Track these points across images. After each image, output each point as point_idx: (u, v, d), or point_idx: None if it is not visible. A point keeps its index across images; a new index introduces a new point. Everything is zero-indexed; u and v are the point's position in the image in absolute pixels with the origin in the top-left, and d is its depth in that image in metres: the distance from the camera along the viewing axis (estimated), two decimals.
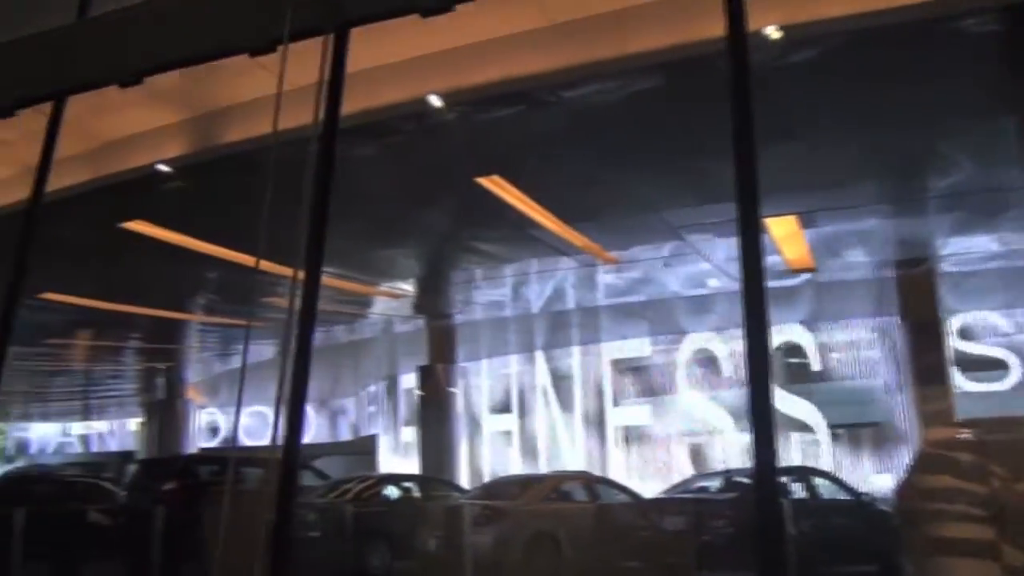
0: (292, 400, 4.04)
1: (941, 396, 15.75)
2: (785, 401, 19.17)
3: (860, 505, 12.65)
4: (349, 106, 8.86)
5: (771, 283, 11.87)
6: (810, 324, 20.05)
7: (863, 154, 9.89)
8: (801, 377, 19.95)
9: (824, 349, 20.66)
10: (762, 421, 3.09)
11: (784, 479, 12.30)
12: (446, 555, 10.38)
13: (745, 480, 12.54)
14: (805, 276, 15.28)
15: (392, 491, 13.67)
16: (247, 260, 13.03)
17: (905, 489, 11.34)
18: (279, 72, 5.59)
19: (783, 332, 20.17)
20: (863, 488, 14.64)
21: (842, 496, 13.05)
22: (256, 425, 35.18)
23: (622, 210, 11.85)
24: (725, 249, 13.70)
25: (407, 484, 14.03)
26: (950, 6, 6.76)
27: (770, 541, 2.96)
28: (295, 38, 5.84)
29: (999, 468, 9.77)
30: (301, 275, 4.86)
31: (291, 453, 4.00)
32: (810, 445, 19.26)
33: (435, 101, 8.57)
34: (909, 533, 10.71)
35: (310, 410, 33.53)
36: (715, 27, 7.34)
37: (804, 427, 19.57)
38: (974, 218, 12.30)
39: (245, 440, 24.72)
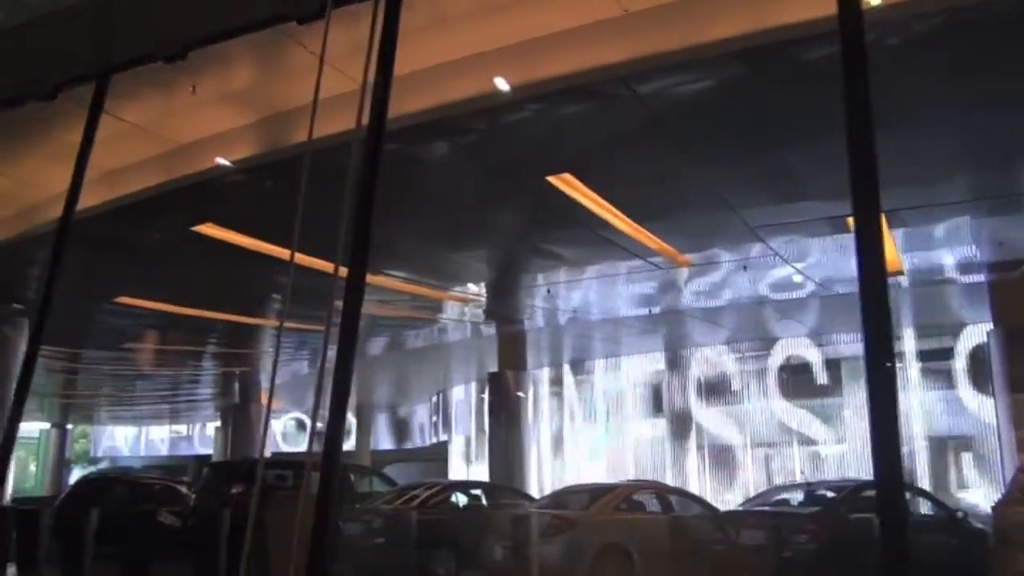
0: (334, 403, 3.82)
1: None
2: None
3: (952, 522, 11.96)
4: (417, 103, 8.78)
5: (853, 288, 11.31)
6: (895, 331, 19.22)
7: (958, 146, 9.29)
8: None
9: (908, 358, 19.87)
10: (885, 435, 2.77)
11: (871, 493, 11.69)
12: (513, 565, 10.10)
13: (828, 493, 11.98)
14: (893, 280, 14.57)
15: (460, 498, 13.48)
16: (321, 264, 13.10)
17: (1002, 508, 10.73)
18: (321, 44, 5.37)
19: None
20: (953, 503, 13.91)
21: (935, 512, 12.38)
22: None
23: (697, 210, 11.45)
24: (806, 250, 13.16)
25: (475, 491, 13.82)
26: None
27: (894, 567, 2.61)
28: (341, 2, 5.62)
29: None
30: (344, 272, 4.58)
31: (332, 458, 3.77)
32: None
33: (504, 96, 8.31)
34: (1003, 555, 10.12)
35: (380, 416, 33.79)
36: (797, 11, 7.00)
37: None
38: None
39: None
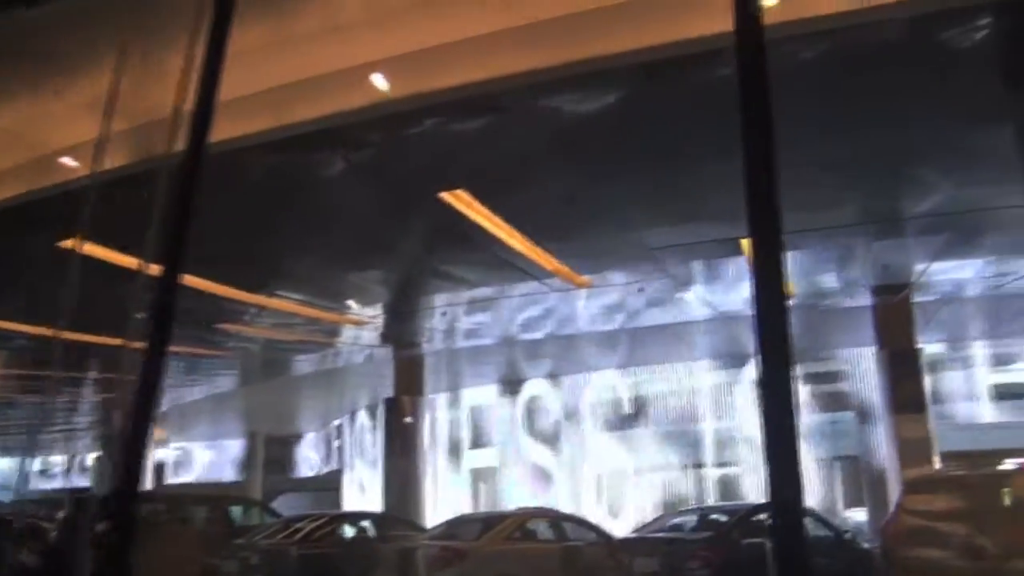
0: (134, 426, 3.31)
1: (919, 427, 15.30)
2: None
3: (841, 543, 12.07)
4: (306, 112, 8.37)
5: (745, 311, 11.40)
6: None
7: (846, 170, 9.42)
8: None
9: (797, 380, 20.25)
10: (782, 455, 2.52)
11: (763, 516, 11.70)
12: None
13: (721, 518, 11.94)
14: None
15: (348, 530, 12.89)
16: (200, 283, 12.41)
17: (889, 528, 10.89)
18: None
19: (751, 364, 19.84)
20: (840, 523, 14.12)
21: (823, 533, 12.47)
22: (218, 459, 34.23)
23: (596, 230, 11.30)
24: (705, 272, 13.23)
25: (363, 523, 13.25)
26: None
27: None
28: None
29: (980, 504, 9.36)
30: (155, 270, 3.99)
31: (126, 494, 3.27)
32: None
33: (397, 106, 7.98)
34: (889, 574, 10.25)
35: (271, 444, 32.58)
36: (698, 26, 6.92)
37: None
38: (956, 242, 11.89)
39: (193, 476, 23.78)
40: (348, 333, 17.51)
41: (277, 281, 13.54)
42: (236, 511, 14.11)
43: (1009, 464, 10.12)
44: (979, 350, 19.50)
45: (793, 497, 2.57)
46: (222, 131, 8.08)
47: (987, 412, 19.40)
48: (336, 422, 29.40)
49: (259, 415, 28.67)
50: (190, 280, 12.07)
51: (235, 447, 33.07)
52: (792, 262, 12.77)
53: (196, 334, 16.29)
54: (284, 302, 14.40)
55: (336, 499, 27.09)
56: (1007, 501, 9.31)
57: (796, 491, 2.57)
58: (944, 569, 8.94)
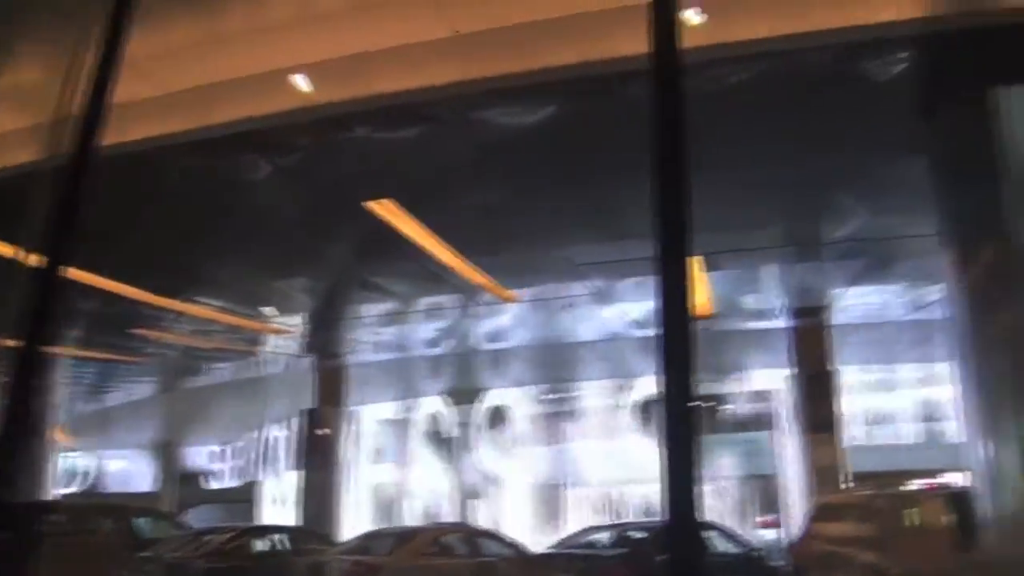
0: (7, 430, 3.17)
1: (830, 448, 15.69)
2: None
3: (750, 560, 12.25)
4: (228, 113, 8.18)
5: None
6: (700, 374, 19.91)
7: (768, 194, 9.63)
8: None
9: (714, 400, 20.63)
10: (680, 475, 2.55)
11: None
12: None
13: (638, 534, 11.99)
14: (703, 323, 15.04)
15: (259, 544, 12.51)
16: (113, 286, 12.00)
17: (799, 546, 11.11)
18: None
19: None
20: (753, 541, 14.33)
21: (734, 550, 12.64)
22: (129, 469, 33.05)
23: (523, 245, 11.30)
24: (630, 289, 13.35)
25: (275, 536, 12.87)
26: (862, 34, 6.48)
27: None
28: None
29: (888, 524, 9.63)
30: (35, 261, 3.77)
31: None
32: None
33: (322, 111, 7.86)
34: None
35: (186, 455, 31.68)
36: (626, 45, 6.98)
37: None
38: (873, 267, 12.27)
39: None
40: (270, 342, 17.16)
41: (197, 287, 13.19)
42: (142, 523, 13.57)
43: (914, 485, 10.46)
44: (890, 373, 20.15)
45: (689, 514, 2.57)
46: (141, 130, 7.85)
47: (896, 433, 20.04)
48: (254, 433, 28.75)
49: (174, 424, 27.84)
50: (102, 283, 11.68)
51: (148, 456, 32.03)
52: (714, 282, 12.98)
53: (110, 339, 15.77)
54: (203, 308, 14.03)
55: (251, 512, 26.43)
56: (910, 523, 9.57)
57: (691, 508, 2.57)
58: None
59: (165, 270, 12.14)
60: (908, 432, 19.91)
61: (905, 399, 20.21)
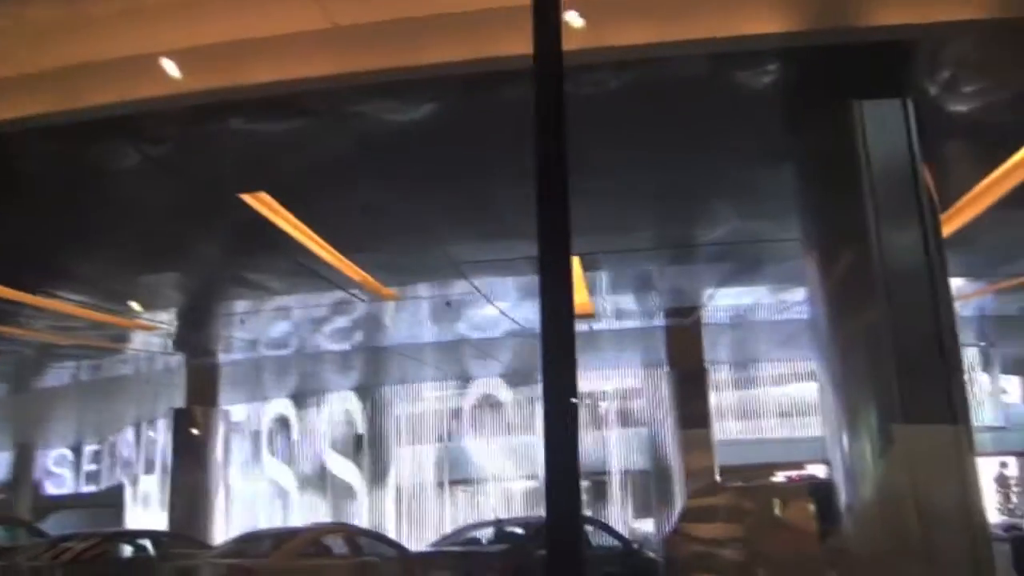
0: None
1: (704, 443, 16.29)
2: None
3: (629, 553, 12.59)
4: (96, 96, 7.75)
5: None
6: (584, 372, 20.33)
7: (645, 197, 9.89)
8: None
9: (593, 397, 21.10)
10: (561, 468, 2.59)
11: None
12: None
13: (517, 530, 12.13)
14: (583, 322, 15.32)
15: (125, 550, 11.99)
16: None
17: (671, 540, 11.48)
18: None
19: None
20: (628, 535, 14.73)
21: (612, 543, 12.95)
22: None
23: (402, 243, 11.20)
24: (509, 289, 13.44)
25: (141, 542, 12.37)
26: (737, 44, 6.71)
27: None
28: None
29: (754, 514, 10.07)
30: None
31: None
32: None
33: (196, 99, 7.55)
34: None
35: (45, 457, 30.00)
36: (510, 44, 7.00)
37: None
38: (741, 270, 12.77)
39: None
40: (137, 339, 16.40)
41: (57, 280, 12.45)
42: None
43: (780, 477, 10.97)
44: (758, 371, 21.09)
45: (571, 508, 2.61)
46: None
47: (764, 428, 21.00)
48: (120, 434, 27.49)
49: (32, 425, 26.31)
50: None
51: (1, 461, 30.13)
52: (592, 283, 13.25)
53: None
54: (65, 303, 13.27)
55: (116, 517, 25.28)
56: (774, 513, 10.02)
57: (573, 504, 2.61)
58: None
59: (22, 262, 11.45)
60: (775, 427, 20.89)
61: (772, 396, 21.18)
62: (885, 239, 6.95)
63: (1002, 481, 25.76)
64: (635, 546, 12.99)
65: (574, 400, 2.97)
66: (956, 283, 12.41)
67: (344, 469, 21.89)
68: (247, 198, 9.38)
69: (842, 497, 7.10)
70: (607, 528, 13.78)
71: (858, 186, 7.14)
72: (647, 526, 19.68)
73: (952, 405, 6.38)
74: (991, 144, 8.60)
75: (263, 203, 9.57)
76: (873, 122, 7.32)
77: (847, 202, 7.29)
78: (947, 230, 8.42)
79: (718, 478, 15.68)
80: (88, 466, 30.63)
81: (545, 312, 3.31)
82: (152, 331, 15.67)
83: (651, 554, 12.85)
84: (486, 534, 12.34)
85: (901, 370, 6.47)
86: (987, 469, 23.68)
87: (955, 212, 9.95)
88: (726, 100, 7.57)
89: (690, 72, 7.11)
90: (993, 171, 9.22)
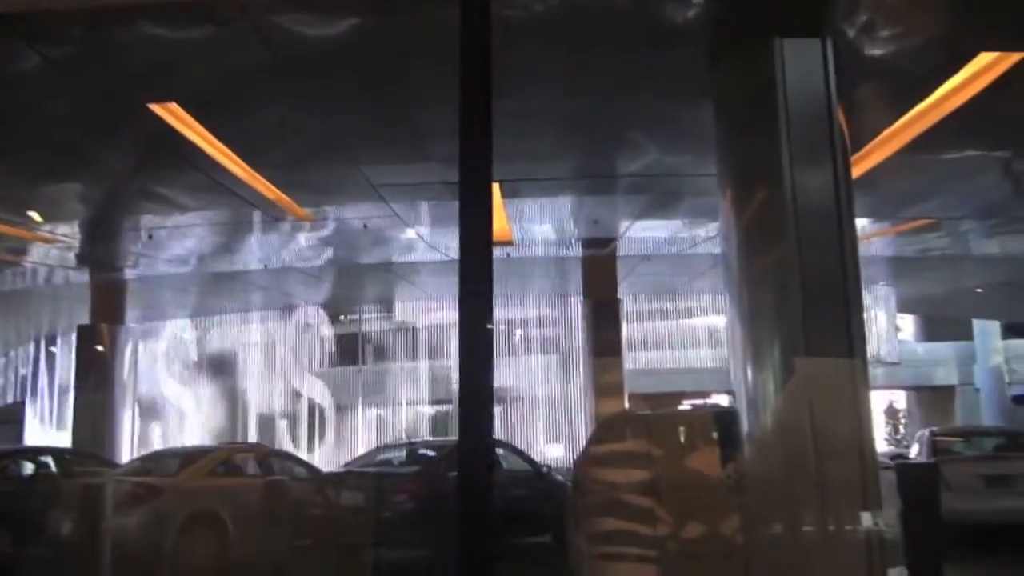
0: None
1: (614, 372, 16.70)
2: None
3: (539, 476, 12.93)
4: None
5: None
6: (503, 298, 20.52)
7: (566, 126, 9.86)
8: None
9: (509, 325, 21.35)
10: (475, 393, 2.64)
11: None
12: (83, 540, 8.92)
13: (429, 453, 12.30)
14: (502, 249, 15.37)
15: (25, 467, 11.71)
16: None
17: (580, 462, 11.82)
18: None
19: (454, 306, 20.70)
20: (539, 458, 15.11)
21: (523, 467, 13.27)
22: None
23: (319, 162, 10.95)
24: (425, 213, 13.36)
25: (43, 459, 12.10)
26: None
27: (474, 519, 2.57)
28: None
29: (660, 439, 10.44)
30: None
31: None
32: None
33: (98, 1, 7.12)
34: (578, 504, 11.16)
35: None
36: None
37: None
38: (658, 203, 12.95)
39: None
40: (38, 252, 15.72)
41: None
42: None
43: (685, 405, 11.37)
44: (670, 303, 21.62)
45: (482, 432, 2.66)
46: None
47: (673, 358, 21.65)
48: (21, 349, 26.58)
49: None
50: None
51: None
52: (511, 210, 13.25)
53: None
54: None
55: (16, 434, 24.63)
56: (680, 439, 10.40)
57: (484, 426, 2.65)
58: (622, 498, 9.84)
59: None
60: (683, 357, 21.54)
61: (683, 327, 21.77)
62: (797, 178, 7.09)
63: (891, 413, 27.31)
64: (544, 469, 13.34)
65: (489, 326, 3.00)
66: (860, 223, 12.90)
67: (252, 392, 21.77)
68: (156, 108, 8.99)
69: (744, 425, 7.40)
70: (517, 451, 14.10)
71: (774, 124, 7.24)
72: (557, 451, 20.23)
73: (851, 340, 6.66)
74: (902, 89, 8.83)
75: (173, 115, 9.18)
76: (791, 60, 7.38)
77: (762, 140, 7.40)
78: (856, 172, 8.66)
79: (627, 405, 16.17)
80: None
81: (464, 237, 3.30)
82: (54, 244, 15.04)
83: (559, 477, 13.23)
84: (398, 456, 12.49)
85: (806, 305, 6.69)
86: (879, 402, 25.08)
87: (864, 154, 10.24)
88: (648, 31, 7.54)
89: (616, 2, 7.06)
90: (902, 116, 9.50)
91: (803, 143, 7.21)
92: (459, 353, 2.87)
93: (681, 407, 11.25)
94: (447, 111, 8.46)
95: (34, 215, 13.08)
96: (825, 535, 6.43)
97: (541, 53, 7.78)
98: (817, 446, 6.53)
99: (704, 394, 17.24)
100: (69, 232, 14.46)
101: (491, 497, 2.56)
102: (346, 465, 12.98)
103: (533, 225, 14.45)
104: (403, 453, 12.52)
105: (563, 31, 7.46)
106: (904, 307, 24.53)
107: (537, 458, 14.91)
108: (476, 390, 2.78)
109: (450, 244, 15.17)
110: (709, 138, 8.73)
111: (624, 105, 9.24)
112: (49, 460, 12.06)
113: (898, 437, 26.39)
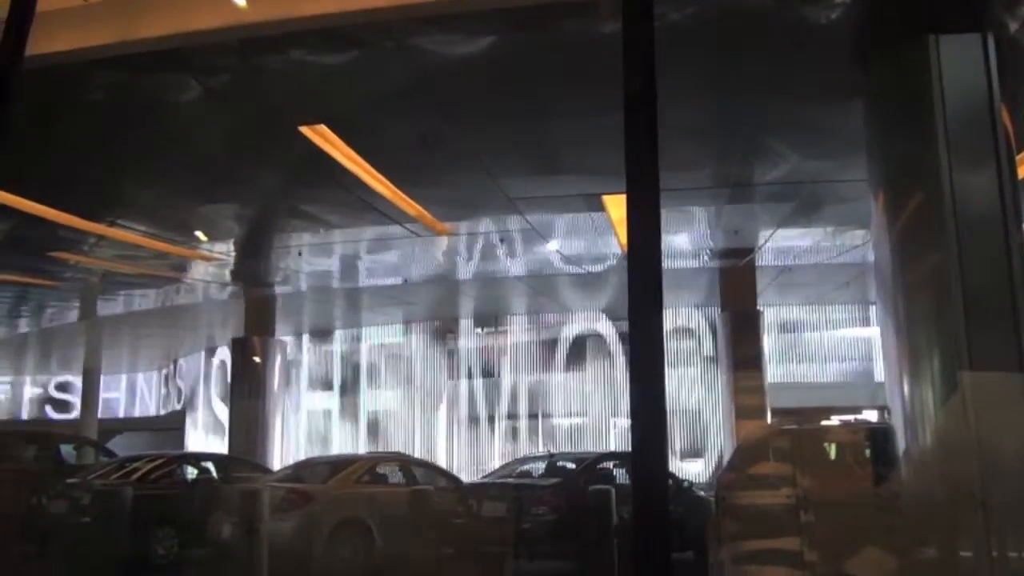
0: None
1: (755, 385, 16.23)
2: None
3: (680, 491, 12.67)
4: (153, 28, 7.79)
5: (596, 268, 11.61)
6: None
7: (704, 135, 9.68)
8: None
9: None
10: (649, 407, 2.58)
11: (609, 464, 12.13)
12: (241, 543, 9.39)
13: (569, 464, 12.28)
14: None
15: (189, 471, 12.46)
16: (30, 207, 11.52)
17: (723, 477, 11.53)
18: None
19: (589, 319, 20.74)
20: (679, 474, 14.82)
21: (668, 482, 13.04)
22: (51, 396, 32.25)
23: (458, 177, 11.18)
24: (564, 227, 13.39)
25: (205, 464, 12.83)
26: None
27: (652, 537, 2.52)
28: None
29: (807, 456, 10.05)
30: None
31: None
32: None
33: (254, 31, 7.54)
34: (720, 519, 10.89)
35: (110, 382, 31.05)
36: None
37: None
38: (799, 211, 12.51)
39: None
40: (197, 269, 16.75)
41: (120, 210, 12.73)
42: (67, 450, 13.36)
43: (833, 420, 10.90)
44: (814, 314, 20.80)
45: (658, 447, 2.62)
46: (61, 41, 7.45)
47: (820, 372, 20.79)
48: (182, 360, 28.30)
49: (97, 351, 27.20)
50: (20, 203, 11.22)
51: (71, 384, 31.29)
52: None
53: (28, 263, 15.20)
54: (127, 232, 13.57)
55: (179, 440, 26.21)
56: (829, 457, 10.00)
57: (661, 442, 2.62)
58: (769, 516, 9.54)
59: (88, 192, 11.72)
60: (831, 371, 20.67)
61: (830, 339, 20.90)
62: (957, 180, 6.71)
63: None
64: (685, 484, 13.07)
65: (660, 339, 2.96)
66: None
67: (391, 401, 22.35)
68: (305, 130, 9.43)
69: (899, 443, 7.03)
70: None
71: (931, 125, 6.87)
72: (696, 466, 19.79)
73: (1021, 353, 6.23)
74: None
75: (321, 136, 9.61)
76: (949, 58, 7.00)
77: (918, 143, 7.04)
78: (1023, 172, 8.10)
79: (770, 419, 15.66)
80: (152, 391, 31.69)
81: (633, 250, 3.27)
82: (212, 261, 15.99)
83: (701, 493, 12.93)
84: (538, 468, 12.53)
85: (968, 316, 6.30)
86: None
87: None
88: (793, 35, 7.32)
89: (754, 6, 6.89)
90: None
91: (962, 143, 6.82)
92: (629, 366, 2.85)
93: (827, 422, 10.76)
94: (584, 125, 8.46)
95: (199, 234, 13.93)
96: (987, 561, 6.04)
97: (679, 62, 7.67)
98: (982, 467, 6.13)
99: (854, 409, 16.47)
100: (224, 250, 15.35)
101: (667, 516, 2.53)
102: (486, 476, 13.13)
103: (670, 237, 14.22)
104: (542, 465, 12.55)
105: (702, 39, 7.34)
106: None
107: (683, 475, 14.65)
108: (650, 405, 2.75)
109: (582, 255, 15.15)
110: (853, 142, 8.39)
111: (763, 110, 8.99)
112: (210, 465, 12.80)
113: None
